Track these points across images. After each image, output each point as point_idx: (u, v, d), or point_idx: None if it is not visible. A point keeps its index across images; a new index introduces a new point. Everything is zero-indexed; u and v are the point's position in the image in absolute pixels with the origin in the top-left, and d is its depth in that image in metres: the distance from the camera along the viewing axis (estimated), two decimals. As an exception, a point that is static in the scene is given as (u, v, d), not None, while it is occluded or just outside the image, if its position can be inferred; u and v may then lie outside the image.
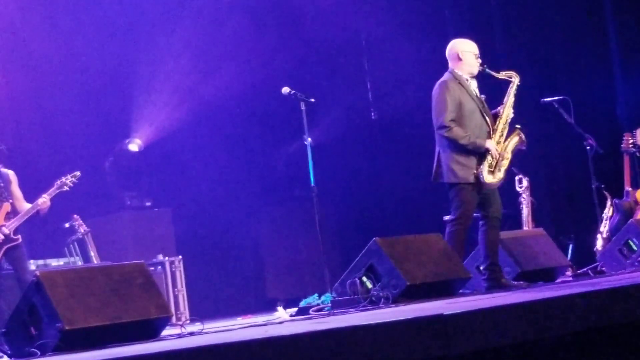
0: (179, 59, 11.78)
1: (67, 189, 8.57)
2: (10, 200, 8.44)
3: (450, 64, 7.96)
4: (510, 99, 7.95)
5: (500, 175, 7.78)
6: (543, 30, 12.07)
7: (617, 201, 10.13)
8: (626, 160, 10.25)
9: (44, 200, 8.44)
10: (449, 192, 7.86)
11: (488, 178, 7.69)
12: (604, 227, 9.96)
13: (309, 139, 8.21)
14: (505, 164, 7.80)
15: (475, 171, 7.67)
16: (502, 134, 7.85)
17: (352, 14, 12.02)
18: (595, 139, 9.73)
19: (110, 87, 11.70)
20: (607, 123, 11.96)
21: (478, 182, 7.69)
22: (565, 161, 11.60)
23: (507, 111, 7.92)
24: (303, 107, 8.38)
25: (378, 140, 12.55)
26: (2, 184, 8.49)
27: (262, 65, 11.86)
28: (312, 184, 8.15)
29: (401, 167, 12.28)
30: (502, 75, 8.03)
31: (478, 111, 7.80)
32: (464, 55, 7.90)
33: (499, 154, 7.75)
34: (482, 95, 7.93)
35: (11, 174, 8.63)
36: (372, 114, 12.35)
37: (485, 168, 7.67)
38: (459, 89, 7.78)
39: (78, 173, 8.67)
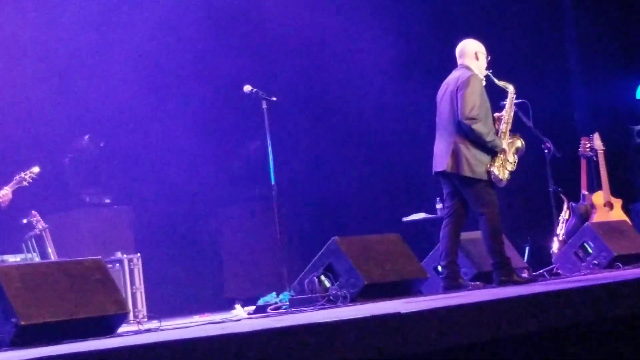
0: (139, 56, 11.72)
1: (26, 184, 8.53)
2: None
3: (466, 61, 8.09)
4: (510, 105, 8.10)
5: (507, 175, 7.84)
6: (502, 34, 12.13)
7: (573, 204, 10.23)
8: (583, 164, 10.35)
9: (5, 192, 8.38)
10: (463, 184, 7.86)
11: (503, 174, 7.85)
12: (561, 230, 10.05)
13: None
14: (511, 166, 7.91)
15: (489, 168, 7.76)
16: (507, 137, 7.91)
17: (314, 11, 12.02)
18: (553, 143, 9.82)
19: (69, 83, 11.61)
20: (565, 127, 12.08)
21: (490, 179, 7.76)
22: (523, 164, 11.62)
23: (509, 116, 8.02)
24: (265, 106, 8.40)
25: (339, 139, 12.57)
26: None
27: (224, 63, 11.83)
28: (273, 183, 8.16)
29: (362, 167, 12.32)
30: (501, 83, 8.18)
31: (491, 112, 7.91)
32: (480, 56, 8.03)
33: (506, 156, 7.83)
34: None
35: None
36: (334, 113, 12.35)
37: (495, 167, 7.77)
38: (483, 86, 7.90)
39: (37, 169, 8.62)
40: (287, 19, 11.93)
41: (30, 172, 8.57)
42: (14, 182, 8.50)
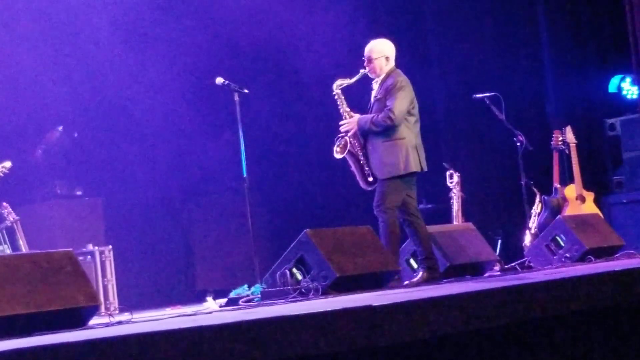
0: (111, 46, 11.66)
1: None
2: None
3: (391, 62, 8.24)
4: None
5: None
6: (474, 26, 12.18)
7: (545, 198, 10.27)
8: (555, 157, 10.40)
9: None
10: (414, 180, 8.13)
11: None
12: (533, 223, 10.10)
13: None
14: None
15: None
16: None
17: (290, 3, 12.01)
18: (525, 136, 9.86)
19: (41, 74, 11.54)
20: (537, 120, 12.14)
21: None
22: (496, 157, 11.73)
23: None
24: (237, 98, 8.37)
25: (309, 131, 12.56)
26: None
27: (196, 54, 11.80)
28: (245, 175, 8.14)
29: (333, 159, 12.30)
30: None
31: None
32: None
33: None
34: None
35: None
36: (306, 105, 12.33)
37: None
38: None
39: (8, 163, 8.56)
40: (262, 10, 11.91)
41: (2, 167, 8.51)
42: None
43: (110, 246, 9.96)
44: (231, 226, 11.81)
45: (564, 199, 10.28)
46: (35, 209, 10.88)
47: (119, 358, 3.69)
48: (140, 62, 11.67)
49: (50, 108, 11.66)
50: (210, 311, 6.91)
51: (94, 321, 6.14)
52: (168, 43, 11.84)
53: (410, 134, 8.02)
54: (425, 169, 8.18)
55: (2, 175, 8.50)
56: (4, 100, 11.12)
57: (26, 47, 11.31)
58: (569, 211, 10.10)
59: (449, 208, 10.30)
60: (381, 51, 8.20)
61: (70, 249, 6.24)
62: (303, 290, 6.96)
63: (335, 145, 8.25)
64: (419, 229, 7.93)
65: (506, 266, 8.85)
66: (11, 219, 9.44)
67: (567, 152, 10.41)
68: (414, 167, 7.96)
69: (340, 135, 8.26)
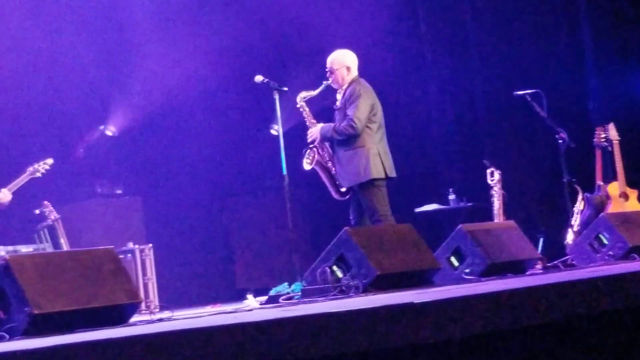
0: (152, 47, 11.72)
1: (40, 175, 8.53)
2: None
3: (353, 72, 8.46)
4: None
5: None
6: (515, 22, 12.09)
7: (588, 195, 10.17)
8: (598, 155, 10.29)
9: (4, 194, 8.38)
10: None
11: None
12: (575, 221, 10.00)
13: (276, 127, 8.20)
14: None
15: None
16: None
17: (327, 3, 12.01)
18: (567, 133, 9.75)
19: (83, 73, 11.63)
20: (580, 117, 12.01)
21: None
22: (537, 155, 11.64)
23: None
24: (276, 96, 8.37)
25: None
26: None
27: (235, 53, 11.82)
28: (284, 173, 8.14)
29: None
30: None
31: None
32: None
33: None
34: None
35: None
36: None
37: None
38: None
39: (50, 160, 8.62)
40: (303, 8, 11.91)
41: (44, 164, 8.57)
42: (25, 174, 8.50)
43: (151, 244, 10.01)
44: (271, 224, 11.82)
45: (607, 197, 10.17)
46: (76, 208, 10.95)
47: (161, 354, 3.69)
48: (180, 61, 11.72)
49: (91, 108, 11.75)
50: (251, 309, 6.92)
51: (134, 319, 6.16)
52: (208, 42, 11.88)
53: (371, 142, 8.24)
54: (392, 175, 8.39)
55: (44, 172, 8.56)
56: (46, 100, 11.23)
57: (68, 48, 11.42)
58: (612, 209, 9.99)
59: (489, 206, 10.23)
60: (342, 62, 8.46)
61: (112, 246, 6.27)
62: (343, 288, 6.93)
63: (304, 157, 8.43)
64: None
65: (548, 264, 8.77)
66: (52, 217, 9.51)
67: (610, 149, 10.30)
68: (375, 173, 8.17)
69: (308, 147, 8.44)
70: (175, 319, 6.11)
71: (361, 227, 7.60)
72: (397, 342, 4.21)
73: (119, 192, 11.57)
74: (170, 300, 8.69)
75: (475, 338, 4.45)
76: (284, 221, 8.50)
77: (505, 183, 10.29)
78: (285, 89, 8.45)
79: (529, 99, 9.76)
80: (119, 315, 5.81)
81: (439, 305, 4.43)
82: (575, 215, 10.05)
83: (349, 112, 8.18)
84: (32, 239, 9.72)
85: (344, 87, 8.38)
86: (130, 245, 9.91)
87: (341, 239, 7.27)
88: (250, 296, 7.90)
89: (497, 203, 10.19)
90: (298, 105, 8.47)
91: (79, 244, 9.42)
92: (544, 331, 4.66)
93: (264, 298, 7.90)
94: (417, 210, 11.03)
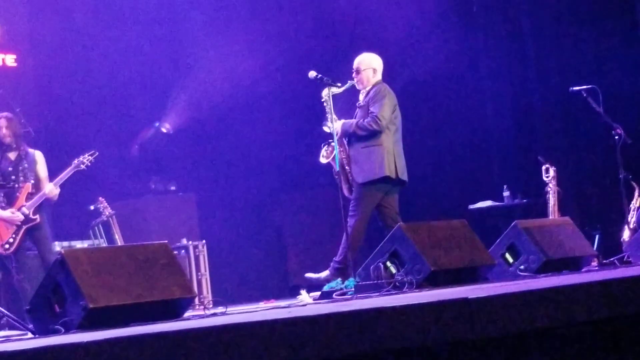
0: (208, 46, 11.79)
1: (84, 167, 8.59)
2: (32, 181, 8.48)
3: (378, 75, 8.57)
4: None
5: None
6: (571, 18, 11.97)
7: (645, 192, 10.05)
8: (655, 150, 10.16)
9: (50, 189, 8.46)
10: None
11: None
12: (632, 218, 9.87)
13: (329, 124, 8.24)
14: None
15: None
16: None
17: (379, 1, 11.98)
18: (623, 129, 9.64)
19: (140, 71, 11.73)
20: (636, 113, 11.84)
21: None
22: (593, 151, 11.51)
23: None
24: (329, 92, 8.36)
25: (404, 126, 12.48)
26: (26, 165, 8.53)
27: (289, 50, 11.83)
28: (337, 169, 8.13)
29: (427, 153, 12.23)
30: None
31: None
32: None
33: None
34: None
35: (37, 154, 8.67)
36: (399, 99, 12.25)
37: None
38: None
39: (95, 152, 8.67)
40: (355, 4, 11.91)
41: (89, 156, 8.62)
42: (70, 167, 8.57)
43: (204, 241, 10.06)
44: (324, 220, 11.80)
45: (664, 193, 10.04)
46: (131, 204, 11.03)
47: (216, 348, 3.69)
48: (232, 58, 11.76)
49: (146, 105, 11.83)
50: (305, 304, 6.91)
51: (188, 314, 6.18)
52: (262, 40, 11.92)
53: (388, 142, 8.38)
54: (404, 179, 8.51)
55: (88, 164, 8.61)
56: (101, 97, 11.32)
57: (128, 46, 11.52)
58: (669, 205, 9.86)
59: (545, 203, 10.13)
60: (369, 64, 8.57)
61: (165, 241, 6.30)
62: (397, 284, 6.91)
63: (322, 150, 8.53)
64: None
65: (604, 261, 8.66)
66: (107, 213, 9.59)
67: (667, 144, 10.15)
68: (387, 171, 8.29)
69: (327, 141, 8.51)
70: (229, 314, 6.12)
71: (415, 223, 7.57)
72: (451, 337, 4.18)
73: (172, 188, 11.63)
74: (224, 296, 8.70)
75: (530, 334, 4.40)
76: (337, 217, 8.49)
77: (560, 179, 10.19)
78: (339, 84, 8.44)
79: (585, 95, 9.66)
80: (173, 309, 5.84)
81: (494, 301, 4.39)
82: (631, 212, 9.92)
83: (374, 109, 8.31)
84: (87, 235, 9.81)
85: (368, 89, 8.51)
86: (184, 241, 9.96)
87: (395, 235, 7.26)
88: (303, 292, 7.89)
89: (552, 200, 10.09)
90: (323, 100, 8.49)
91: (133, 240, 9.47)
92: (600, 328, 4.61)
93: (317, 294, 7.90)
94: (471, 207, 10.97)
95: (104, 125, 11.36)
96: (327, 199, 11.04)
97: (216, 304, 8.33)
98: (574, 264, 8.19)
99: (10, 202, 8.46)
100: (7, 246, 8.29)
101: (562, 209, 10.08)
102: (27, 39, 11.07)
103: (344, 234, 8.21)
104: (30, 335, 5.72)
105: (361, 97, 8.58)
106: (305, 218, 12.33)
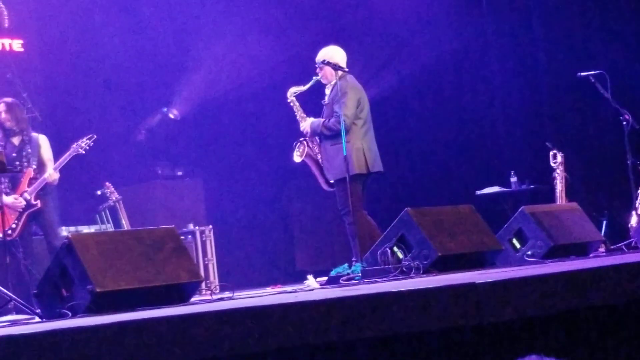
0: (216, 30, 11.78)
1: (82, 152, 8.56)
2: (34, 166, 8.47)
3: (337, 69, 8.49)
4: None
5: None
6: (580, 3, 11.91)
7: (653, 177, 10.01)
8: (663, 136, 10.12)
9: (50, 173, 8.44)
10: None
11: None
12: (639, 204, 9.85)
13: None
14: None
15: None
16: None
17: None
18: (631, 114, 9.61)
19: (146, 56, 11.72)
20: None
21: None
22: (601, 137, 11.46)
23: None
24: (337, 77, 8.36)
25: (408, 110, 12.48)
26: (29, 150, 8.52)
27: (298, 35, 11.81)
28: (345, 154, 8.12)
29: (434, 139, 12.22)
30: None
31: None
32: None
33: None
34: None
35: (42, 138, 8.65)
36: (407, 85, 12.25)
37: None
38: None
39: (93, 136, 8.64)
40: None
41: (87, 139, 8.60)
42: (70, 150, 8.55)
43: (211, 226, 10.06)
44: (331, 205, 11.77)
45: (672, 179, 10.00)
46: (137, 189, 11.03)
47: (223, 332, 3.69)
48: (242, 44, 11.76)
49: (154, 91, 11.83)
50: (312, 289, 6.92)
51: (194, 299, 6.19)
52: (269, 25, 11.90)
53: (355, 138, 8.36)
54: (376, 170, 8.52)
55: (87, 148, 8.58)
56: (109, 82, 11.32)
57: (130, 31, 11.51)
58: (677, 191, 9.82)
59: (552, 188, 10.11)
60: (331, 57, 8.54)
61: (173, 225, 6.30)
62: (404, 269, 6.91)
63: (295, 150, 8.68)
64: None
65: (612, 247, 8.65)
66: (114, 198, 9.60)
67: (675, 130, 10.11)
68: (357, 169, 8.28)
69: (299, 140, 8.66)
70: (236, 299, 6.13)
71: (422, 208, 7.56)
72: (458, 322, 4.17)
73: (179, 173, 11.63)
74: (230, 281, 8.71)
75: (538, 319, 4.40)
76: (343, 202, 8.51)
77: (568, 165, 10.16)
78: (346, 69, 8.42)
79: (593, 80, 9.62)
80: (180, 294, 5.85)
81: (501, 286, 4.38)
82: (639, 198, 9.89)
83: (337, 108, 8.29)
84: (94, 220, 9.82)
85: (332, 83, 8.49)
86: (191, 226, 9.97)
87: (402, 220, 7.25)
88: (310, 277, 7.89)
89: (559, 185, 10.06)
90: (288, 100, 8.68)
91: (140, 225, 9.48)
92: (606, 314, 4.60)
93: (324, 279, 7.91)
94: (479, 192, 10.95)
95: (111, 111, 11.36)
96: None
97: (223, 288, 8.35)
98: (581, 249, 8.18)
99: (14, 187, 8.46)
100: (10, 232, 8.29)
101: (570, 195, 10.06)
102: (33, 24, 11.06)
103: (350, 232, 8.41)
104: (37, 319, 5.74)
105: (327, 92, 8.62)
106: (313, 203, 12.31)
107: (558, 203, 9.89)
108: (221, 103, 11.95)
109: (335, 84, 8.38)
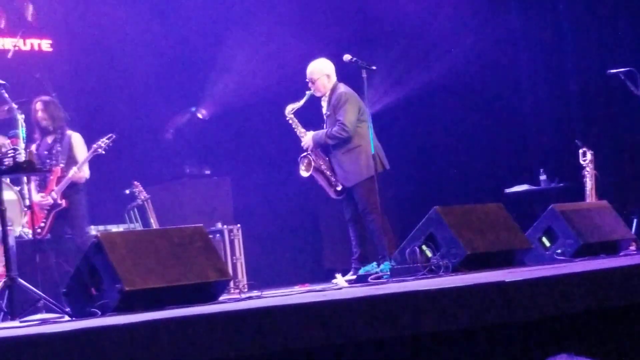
0: (245, 30, 11.79)
1: (102, 152, 8.57)
2: (62, 164, 8.49)
3: (333, 78, 8.75)
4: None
5: None
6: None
7: (683, 175, 9.94)
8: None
9: (73, 172, 8.46)
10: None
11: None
12: (670, 202, 9.79)
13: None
14: None
15: None
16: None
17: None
18: (663, 112, 9.55)
19: (175, 55, 11.75)
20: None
21: None
22: (631, 134, 11.39)
23: None
24: (364, 75, 8.34)
25: (437, 108, 12.44)
26: (59, 148, 8.54)
27: (324, 37, 11.79)
28: (372, 152, 8.10)
29: (463, 137, 12.18)
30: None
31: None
32: None
33: None
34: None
35: (74, 137, 8.66)
36: (433, 81, 12.21)
37: None
38: None
39: (112, 136, 8.65)
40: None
41: (106, 139, 8.60)
42: (91, 150, 8.57)
43: (239, 225, 10.06)
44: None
45: (703, 177, 9.92)
46: (165, 188, 11.05)
47: (251, 330, 3.69)
48: (272, 44, 11.76)
49: (182, 90, 11.85)
50: (340, 287, 6.90)
51: (223, 298, 6.19)
52: (298, 26, 11.88)
53: (364, 141, 8.50)
54: (387, 167, 8.70)
55: (106, 148, 8.59)
56: (137, 82, 11.35)
57: (159, 31, 11.54)
58: None
59: (582, 186, 10.04)
60: (321, 70, 8.80)
61: (201, 224, 6.31)
62: (433, 267, 6.89)
63: (300, 165, 8.90)
64: (364, 231, 8.60)
65: (642, 245, 8.59)
66: (142, 197, 9.63)
67: None
68: (373, 171, 8.31)
69: (302, 155, 8.88)
70: (264, 297, 6.13)
71: (451, 207, 7.54)
72: (488, 321, 4.16)
73: (207, 172, 11.64)
74: (258, 280, 8.71)
75: (568, 318, 4.37)
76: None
77: (597, 163, 10.09)
78: (374, 67, 8.40)
79: (623, 78, 9.56)
80: (209, 292, 5.85)
81: (531, 285, 4.36)
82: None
83: (339, 117, 8.52)
84: (122, 219, 9.85)
85: (327, 94, 8.72)
86: (219, 225, 9.97)
87: (430, 218, 7.23)
88: (338, 275, 7.88)
89: (589, 183, 10.00)
90: (287, 118, 8.92)
91: (168, 224, 9.48)
92: (638, 312, 4.57)
93: (353, 277, 7.89)
94: (507, 190, 10.90)
95: (139, 110, 11.38)
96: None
97: (251, 287, 8.35)
98: (612, 247, 8.12)
99: (44, 185, 8.51)
100: (39, 230, 8.35)
101: (600, 193, 9.99)
102: (62, 23, 11.10)
103: (353, 232, 8.66)
104: (67, 318, 5.76)
105: (324, 104, 8.79)
106: (340, 202, 12.28)
107: (588, 201, 9.83)
108: (249, 102, 11.95)
109: (331, 95, 8.65)
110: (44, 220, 8.43)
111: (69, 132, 8.66)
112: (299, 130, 8.94)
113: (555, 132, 11.74)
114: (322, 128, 8.78)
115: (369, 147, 8.31)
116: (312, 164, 8.75)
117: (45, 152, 8.53)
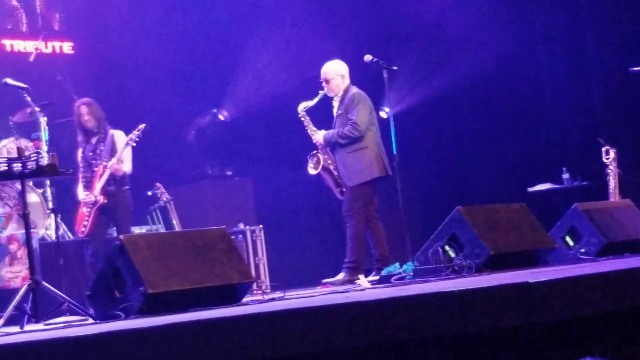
0: (267, 32, 11.80)
1: (133, 144, 8.58)
2: (105, 162, 8.51)
3: (346, 79, 8.78)
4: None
5: None
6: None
7: None
8: None
9: (112, 162, 8.48)
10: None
11: None
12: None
13: (386, 109, 8.29)
14: None
15: None
16: None
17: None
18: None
19: (196, 58, 11.77)
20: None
21: None
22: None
23: None
24: (385, 75, 8.35)
25: (460, 108, 12.40)
26: (102, 147, 8.58)
27: (346, 38, 11.78)
28: (394, 153, 8.10)
29: (485, 136, 12.14)
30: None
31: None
32: None
33: None
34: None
35: (116, 135, 8.65)
36: (456, 80, 12.17)
37: None
38: None
39: (142, 125, 8.65)
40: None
41: (137, 131, 8.61)
42: (124, 143, 8.58)
43: (261, 225, 10.06)
44: (382, 204, 11.74)
45: None
46: (187, 189, 11.07)
47: (275, 332, 3.68)
48: (293, 47, 11.75)
49: (204, 92, 11.87)
50: (363, 288, 6.89)
51: (246, 299, 6.19)
52: (319, 29, 11.87)
53: (372, 143, 8.60)
54: (390, 173, 8.67)
55: (137, 139, 8.60)
56: (158, 84, 11.37)
57: (180, 34, 11.56)
58: None
59: (605, 185, 9.99)
60: (336, 71, 8.83)
61: (223, 226, 6.31)
62: (456, 268, 6.87)
63: (309, 162, 8.90)
64: (378, 230, 8.75)
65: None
66: (164, 199, 9.64)
67: None
68: (378, 173, 8.58)
69: (312, 152, 8.90)
70: (287, 299, 6.12)
71: (474, 207, 7.52)
72: (512, 322, 4.14)
73: (229, 173, 11.65)
74: (281, 281, 8.70)
75: (593, 318, 4.34)
76: (394, 201, 8.51)
77: (621, 161, 10.04)
78: (395, 67, 8.41)
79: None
80: (232, 294, 5.85)
81: (555, 284, 4.34)
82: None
83: (352, 116, 8.56)
84: (144, 220, 9.88)
85: (340, 95, 8.74)
86: (241, 226, 9.98)
87: (453, 218, 7.21)
88: (361, 276, 7.87)
89: (612, 182, 9.95)
90: (300, 116, 8.91)
91: (191, 225, 9.51)
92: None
93: (375, 278, 7.88)
94: (530, 189, 10.87)
95: (161, 112, 11.40)
96: (385, 185, 10.99)
97: (274, 288, 8.34)
98: (636, 246, 8.07)
99: (90, 184, 8.58)
100: (83, 229, 8.45)
101: (623, 191, 9.94)
102: (84, 26, 11.14)
103: (372, 233, 8.73)
104: (90, 320, 5.77)
105: (335, 104, 8.81)
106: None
107: (611, 200, 9.78)
108: (270, 103, 11.95)
109: (344, 95, 8.66)
110: (87, 218, 8.49)
111: (112, 130, 8.69)
112: (310, 128, 8.95)
113: (578, 131, 11.69)
114: (331, 128, 8.80)
115: (375, 151, 8.42)
116: (321, 162, 8.79)
117: (90, 154, 8.60)
